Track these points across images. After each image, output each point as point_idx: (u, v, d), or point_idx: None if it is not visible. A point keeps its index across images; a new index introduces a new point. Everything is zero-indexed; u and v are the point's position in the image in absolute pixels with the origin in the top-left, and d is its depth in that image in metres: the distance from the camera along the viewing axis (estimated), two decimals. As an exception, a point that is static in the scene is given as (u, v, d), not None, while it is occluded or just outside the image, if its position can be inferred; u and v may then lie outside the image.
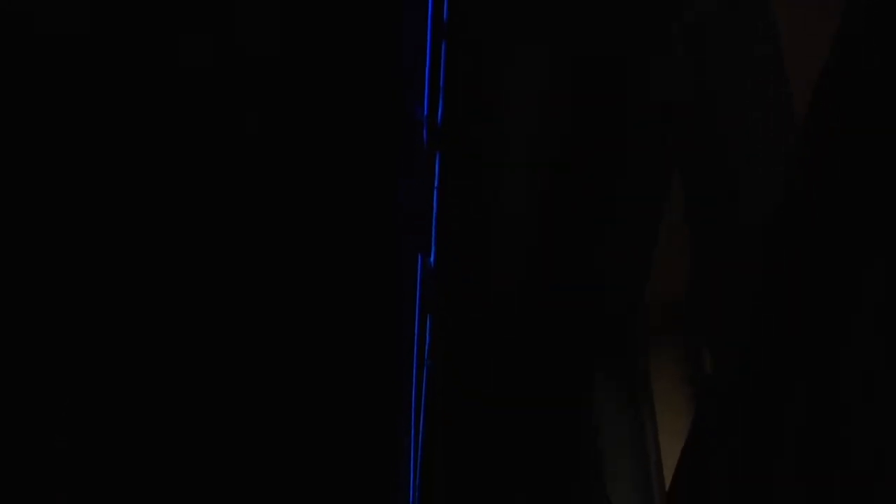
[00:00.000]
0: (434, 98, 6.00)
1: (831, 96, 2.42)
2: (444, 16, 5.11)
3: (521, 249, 5.92)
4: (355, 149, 10.22)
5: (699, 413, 3.47)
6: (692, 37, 3.53)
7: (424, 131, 6.62)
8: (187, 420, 12.11)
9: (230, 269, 11.00)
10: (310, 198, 10.58)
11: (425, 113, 6.76)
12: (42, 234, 10.61)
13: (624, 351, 4.81)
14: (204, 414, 12.03)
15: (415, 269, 9.44)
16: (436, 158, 6.05)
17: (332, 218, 10.81)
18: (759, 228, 2.88)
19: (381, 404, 11.02)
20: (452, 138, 5.75)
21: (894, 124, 2.12)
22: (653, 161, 4.31)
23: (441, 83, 5.79)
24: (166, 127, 10.40)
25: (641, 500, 4.37)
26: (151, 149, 10.72)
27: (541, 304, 5.53)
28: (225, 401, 11.89)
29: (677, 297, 4.59)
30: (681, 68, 3.63)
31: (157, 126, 10.45)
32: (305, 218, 10.71)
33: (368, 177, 10.38)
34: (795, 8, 2.94)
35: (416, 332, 10.10)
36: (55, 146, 10.35)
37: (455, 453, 7.07)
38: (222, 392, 11.82)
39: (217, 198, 10.58)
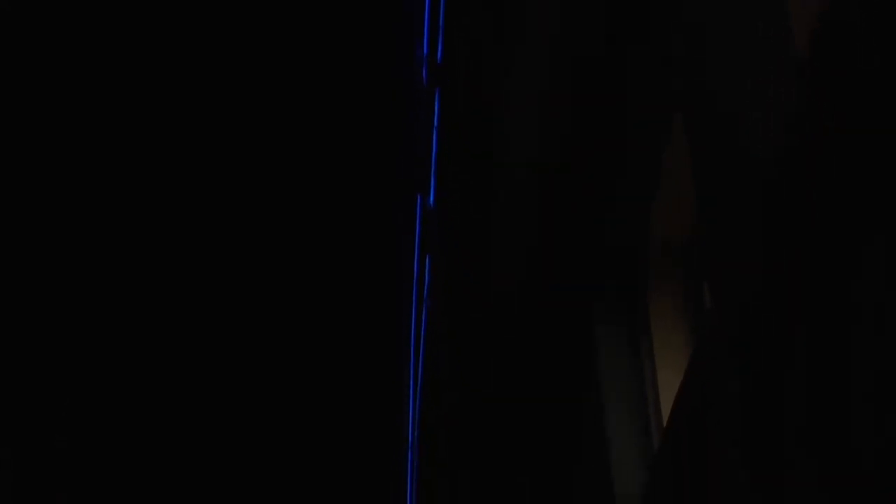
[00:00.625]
0: (433, 36, 5.98)
1: (833, 40, 2.40)
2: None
3: (525, 199, 5.92)
4: (355, 88, 10.19)
5: (698, 349, 3.48)
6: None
7: (424, 69, 6.59)
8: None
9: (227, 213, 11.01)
10: (311, 136, 10.56)
11: (425, 51, 6.72)
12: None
13: (625, 290, 4.81)
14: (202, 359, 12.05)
15: (414, 210, 9.42)
16: (435, 96, 6.02)
17: (333, 158, 10.78)
18: (764, 163, 2.87)
19: (381, 344, 11.06)
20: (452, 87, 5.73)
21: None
22: (654, 100, 4.30)
23: (440, 22, 5.76)
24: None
25: (640, 435, 4.39)
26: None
27: (543, 242, 5.52)
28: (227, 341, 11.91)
29: (678, 237, 4.58)
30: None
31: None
32: (306, 156, 10.69)
33: (368, 115, 10.35)
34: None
35: (415, 271, 10.10)
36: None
37: (454, 388, 7.09)
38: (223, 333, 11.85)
39: (213, 134, 10.56)
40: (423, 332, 9.98)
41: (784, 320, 2.84)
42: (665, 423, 4.08)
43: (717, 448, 3.24)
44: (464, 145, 5.72)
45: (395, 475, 11.26)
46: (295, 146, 10.49)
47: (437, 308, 8.92)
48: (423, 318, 10.02)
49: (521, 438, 5.92)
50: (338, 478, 11.95)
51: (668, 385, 4.30)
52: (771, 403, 2.93)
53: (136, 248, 11.24)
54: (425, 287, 9.62)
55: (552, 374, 5.52)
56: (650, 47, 4.22)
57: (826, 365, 2.60)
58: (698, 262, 4.37)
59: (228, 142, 10.50)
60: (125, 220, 11.11)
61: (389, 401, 11.10)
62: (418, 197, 9.09)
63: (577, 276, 5.10)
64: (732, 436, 3.13)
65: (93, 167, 10.85)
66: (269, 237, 10.89)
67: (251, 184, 10.72)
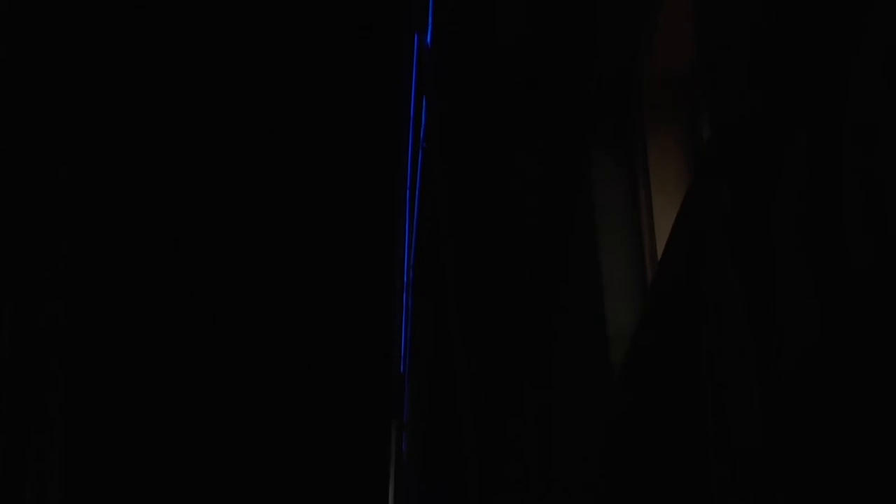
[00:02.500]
0: None
1: None
2: None
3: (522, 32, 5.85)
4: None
5: (695, 180, 3.45)
6: None
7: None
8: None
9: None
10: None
11: None
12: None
13: (622, 125, 4.76)
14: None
15: (411, 49, 9.31)
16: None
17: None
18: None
19: (380, 186, 11.04)
20: None
21: None
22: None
23: None
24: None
25: (634, 269, 4.38)
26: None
27: (539, 75, 5.47)
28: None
29: (678, 69, 4.52)
30: None
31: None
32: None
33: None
34: None
35: (412, 113, 10.06)
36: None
37: (451, 230, 7.10)
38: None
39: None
40: (419, 176, 9.95)
41: (779, 146, 2.81)
42: (660, 257, 4.07)
43: (712, 280, 3.22)
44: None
45: (391, 315, 11.32)
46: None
47: (434, 152, 8.87)
48: (420, 161, 9.99)
49: (513, 277, 5.92)
50: (332, 316, 12.03)
51: (664, 218, 4.27)
52: (765, 232, 2.91)
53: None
54: (422, 130, 9.57)
55: (543, 209, 5.49)
56: None
57: (819, 186, 2.58)
58: (697, 95, 4.31)
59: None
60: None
61: (385, 245, 11.11)
62: (415, 36, 8.98)
63: (571, 109, 5.04)
64: (728, 267, 3.11)
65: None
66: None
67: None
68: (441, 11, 7.70)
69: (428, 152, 9.37)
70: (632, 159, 4.56)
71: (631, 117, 4.68)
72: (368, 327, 12.02)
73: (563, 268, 5.24)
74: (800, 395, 2.56)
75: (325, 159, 11.23)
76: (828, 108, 2.43)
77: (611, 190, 4.53)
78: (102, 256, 11.31)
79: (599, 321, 4.44)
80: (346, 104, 10.96)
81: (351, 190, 11.34)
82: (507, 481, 7.33)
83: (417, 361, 11.24)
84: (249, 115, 11.04)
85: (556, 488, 5.62)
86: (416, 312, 10.13)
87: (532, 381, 6.31)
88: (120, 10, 10.06)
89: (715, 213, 3.14)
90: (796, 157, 2.66)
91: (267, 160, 11.15)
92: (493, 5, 6.01)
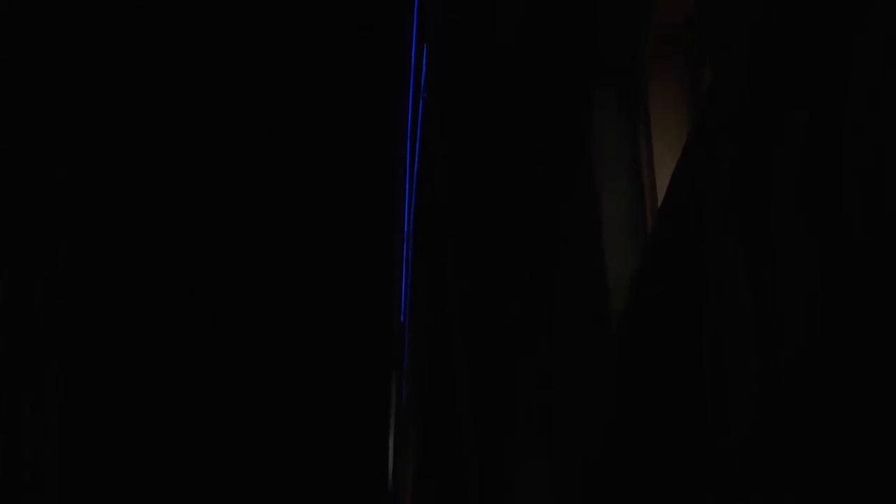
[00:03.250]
0: None
1: None
2: None
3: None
4: None
5: (696, 128, 3.45)
6: None
7: None
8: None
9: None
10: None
11: None
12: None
13: (624, 76, 4.75)
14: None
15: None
16: None
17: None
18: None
19: (380, 137, 11.03)
20: None
21: None
22: None
23: None
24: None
25: (634, 215, 4.39)
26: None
27: (540, 26, 5.44)
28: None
29: (680, 19, 4.50)
30: None
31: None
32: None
33: None
34: None
35: (412, 64, 10.02)
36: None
37: (450, 177, 7.09)
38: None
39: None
40: (419, 126, 9.93)
41: (782, 97, 2.81)
42: (660, 205, 4.07)
43: (713, 228, 3.23)
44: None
45: (390, 265, 11.33)
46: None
47: (434, 102, 8.85)
48: (420, 112, 9.97)
49: (513, 229, 5.92)
50: (333, 267, 12.05)
51: (664, 167, 4.27)
52: (767, 182, 2.91)
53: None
54: (423, 80, 9.55)
55: (545, 157, 5.48)
56: None
57: (820, 139, 2.58)
58: (699, 47, 4.30)
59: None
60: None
61: (386, 196, 11.11)
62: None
63: (573, 60, 5.03)
64: (729, 215, 3.12)
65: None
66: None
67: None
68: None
69: (428, 103, 9.35)
70: (633, 111, 4.55)
71: (633, 69, 4.67)
72: (369, 278, 12.02)
73: (564, 219, 5.25)
74: (798, 354, 2.58)
75: (326, 109, 11.21)
76: (831, 75, 2.43)
77: (612, 141, 4.53)
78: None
79: (600, 271, 4.45)
80: (347, 54, 10.92)
81: (351, 141, 11.33)
82: (505, 438, 7.36)
83: (417, 311, 11.25)
84: (248, 67, 11.01)
85: (559, 449, 5.65)
86: (416, 264, 10.14)
87: (532, 334, 6.33)
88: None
89: (715, 164, 3.14)
90: (797, 118, 2.66)
91: (268, 107, 11.12)
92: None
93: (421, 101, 9.96)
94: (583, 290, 4.86)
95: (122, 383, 11.93)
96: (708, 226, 3.24)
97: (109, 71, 10.42)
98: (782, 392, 2.59)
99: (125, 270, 11.52)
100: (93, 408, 11.81)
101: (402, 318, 12.35)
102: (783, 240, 2.78)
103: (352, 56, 10.84)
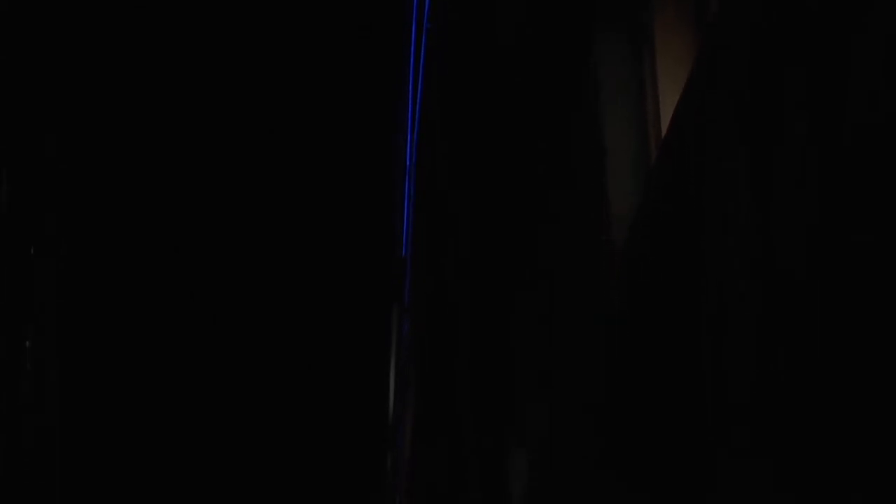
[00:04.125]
0: None
1: None
2: None
3: None
4: None
5: (701, 57, 3.40)
6: None
7: None
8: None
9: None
10: None
11: None
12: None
13: (629, 3, 4.68)
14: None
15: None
16: None
17: None
18: None
19: (382, 68, 10.96)
20: None
21: None
22: None
23: None
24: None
25: (637, 145, 4.34)
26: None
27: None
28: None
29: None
30: None
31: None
32: None
33: None
34: None
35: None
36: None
37: (452, 109, 7.05)
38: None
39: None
40: (422, 58, 9.86)
41: (790, 28, 2.75)
42: (664, 135, 4.03)
43: (716, 159, 3.18)
44: None
45: (392, 199, 11.31)
46: None
47: (437, 32, 8.78)
48: (423, 42, 9.89)
49: (514, 156, 5.88)
50: (332, 200, 12.03)
51: (669, 96, 4.22)
52: (773, 111, 2.86)
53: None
54: (426, 10, 9.46)
55: (547, 88, 5.43)
56: None
57: (828, 67, 2.53)
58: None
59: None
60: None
61: (386, 127, 11.07)
62: None
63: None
64: (733, 145, 3.07)
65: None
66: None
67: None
68: None
69: (431, 33, 9.27)
70: (637, 35, 4.49)
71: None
72: (369, 210, 12.01)
73: (566, 147, 5.20)
74: (801, 287, 2.54)
75: (326, 39, 11.12)
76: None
77: (615, 66, 4.47)
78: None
79: (601, 201, 4.41)
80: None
81: (352, 71, 11.25)
82: (504, 383, 7.36)
83: (418, 246, 11.24)
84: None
85: (559, 393, 5.64)
86: (417, 196, 10.10)
87: (533, 267, 6.30)
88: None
89: (721, 89, 3.09)
90: (803, 53, 2.61)
91: (268, 38, 11.04)
92: None
93: (424, 32, 9.89)
94: (585, 221, 4.83)
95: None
96: (711, 158, 3.19)
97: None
98: (785, 329, 2.56)
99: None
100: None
101: (403, 252, 12.34)
102: (788, 173, 2.74)
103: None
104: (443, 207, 7.73)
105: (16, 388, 10.14)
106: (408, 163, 11.07)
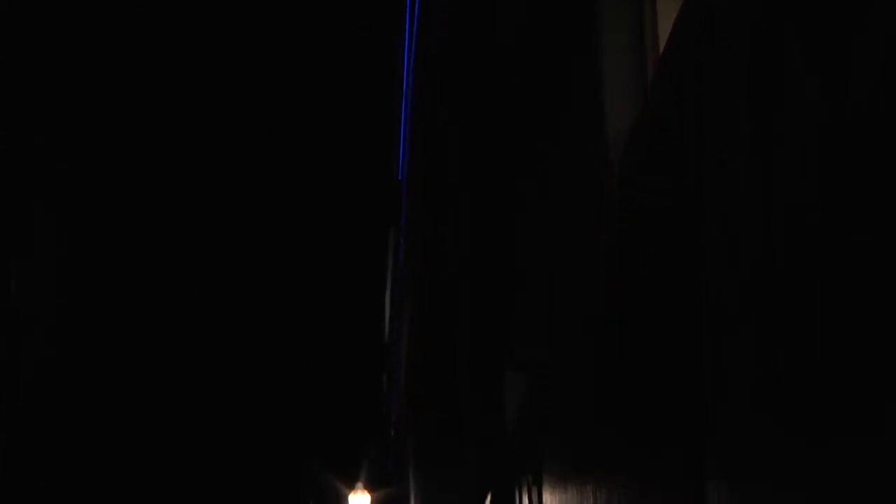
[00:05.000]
0: None
1: None
2: None
3: None
4: None
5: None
6: None
7: None
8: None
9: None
10: None
11: None
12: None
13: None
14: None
15: None
16: None
17: None
18: None
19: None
20: None
21: None
22: None
23: None
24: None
25: (634, 64, 4.34)
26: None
27: None
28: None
29: None
30: None
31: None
32: None
33: None
34: None
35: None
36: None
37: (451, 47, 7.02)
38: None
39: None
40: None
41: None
42: (661, 51, 4.02)
43: (715, 75, 3.18)
44: None
45: (390, 121, 11.32)
46: None
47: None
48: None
49: (513, 75, 5.86)
50: (330, 122, 12.06)
51: (667, 15, 4.21)
52: (772, 25, 2.86)
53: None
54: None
55: (549, 8, 5.40)
56: None
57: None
58: None
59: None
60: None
61: (386, 50, 11.05)
62: None
63: None
64: (733, 62, 3.07)
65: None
66: None
67: None
68: None
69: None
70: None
71: None
72: (366, 133, 12.05)
73: (565, 66, 5.20)
74: (800, 208, 2.56)
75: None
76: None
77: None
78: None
79: (600, 118, 4.42)
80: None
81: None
82: (505, 297, 7.41)
83: (415, 168, 11.29)
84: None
85: (560, 303, 5.67)
86: (414, 119, 10.13)
87: (534, 184, 6.31)
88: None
89: (719, 5, 3.09)
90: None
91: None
92: None
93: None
94: (584, 139, 4.83)
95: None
96: (708, 78, 3.19)
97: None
98: (787, 242, 2.58)
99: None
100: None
101: (399, 175, 12.33)
102: (788, 84, 2.74)
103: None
104: (440, 129, 7.73)
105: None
106: (405, 85, 11.05)
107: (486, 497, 9.05)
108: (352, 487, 27.87)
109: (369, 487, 28.21)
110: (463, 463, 11.08)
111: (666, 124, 3.56)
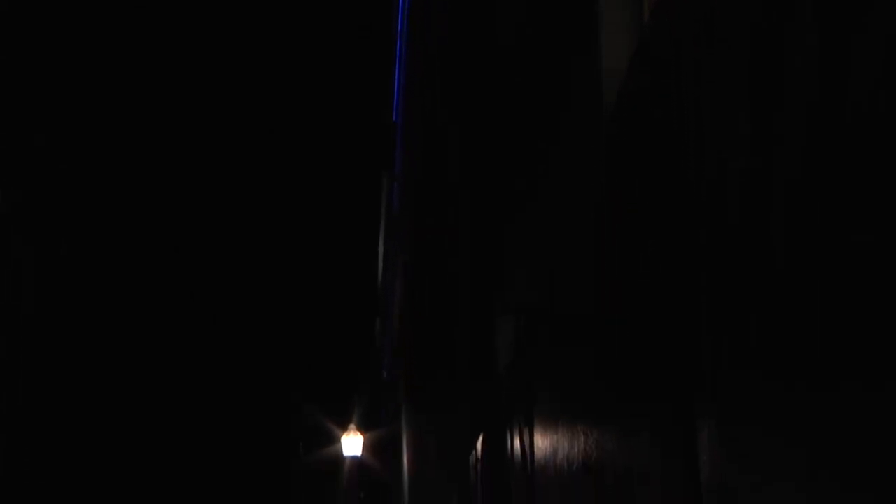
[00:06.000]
0: None
1: None
2: None
3: None
4: None
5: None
6: None
7: None
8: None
9: None
10: None
11: None
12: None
13: None
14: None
15: None
16: None
17: None
18: None
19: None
20: None
21: None
22: None
23: None
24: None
25: (631, 9, 4.29)
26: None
27: None
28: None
29: None
30: None
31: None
32: None
33: None
34: None
35: None
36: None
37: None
38: None
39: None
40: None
41: None
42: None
43: (707, 22, 3.15)
44: None
45: (384, 62, 11.26)
46: None
47: None
48: None
49: (509, 23, 5.81)
50: (326, 62, 11.99)
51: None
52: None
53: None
54: None
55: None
56: None
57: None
58: None
59: None
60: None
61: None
62: None
63: None
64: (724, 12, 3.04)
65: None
66: None
67: None
68: None
69: None
70: None
71: None
72: (361, 75, 11.98)
73: (561, 12, 5.15)
74: (793, 124, 2.53)
75: None
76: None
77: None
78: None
79: (595, 57, 4.38)
80: None
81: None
82: (502, 231, 7.38)
83: (410, 109, 11.23)
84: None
85: (552, 240, 5.65)
86: (409, 59, 10.06)
87: (528, 126, 6.28)
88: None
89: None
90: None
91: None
92: None
93: None
94: (578, 81, 4.80)
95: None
96: (704, 20, 3.16)
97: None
98: (779, 178, 2.56)
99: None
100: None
101: (393, 117, 12.25)
102: (787, 43, 2.71)
103: None
104: (435, 68, 7.67)
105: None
106: (399, 28, 10.97)
107: (477, 439, 9.09)
108: (345, 429, 28.03)
109: (362, 429, 28.36)
110: (455, 406, 11.13)
111: (658, 71, 3.53)
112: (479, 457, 8.91)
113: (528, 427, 6.35)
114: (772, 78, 2.54)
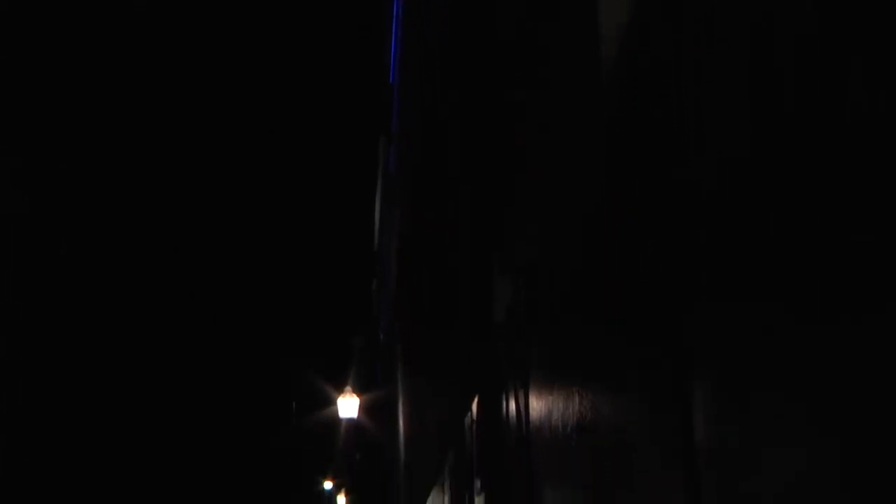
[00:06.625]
0: None
1: None
2: None
3: None
4: None
5: None
6: None
7: None
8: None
9: None
10: None
11: None
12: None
13: None
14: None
15: None
16: None
17: None
18: None
19: None
20: None
21: None
22: None
23: None
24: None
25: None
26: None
27: None
28: None
29: None
30: None
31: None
32: None
33: None
34: None
35: None
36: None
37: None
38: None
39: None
40: None
41: None
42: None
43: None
44: None
45: (381, 22, 11.22)
46: None
47: None
48: None
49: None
50: (321, 22, 11.97)
51: None
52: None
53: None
54: None
55: None
56: None
57: None
58: None
59: None
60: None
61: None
62: None
63: None
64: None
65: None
66: None
67: None
68: None
69: None
70: None
71: None
72: (356, 34, 11.96)
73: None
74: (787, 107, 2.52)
75: None
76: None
77: None
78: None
79: (592, 20, 4.36)
80: None
81: None
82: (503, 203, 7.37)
83: (406, 72, 11.19)
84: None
85: (555, 205, 5.64)
86: (405, 20, 10.01)
87: (525, 87, 6.26)
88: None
89: None
90: None
91: None
92: None
93: None
94: (576, 38, 4.78)
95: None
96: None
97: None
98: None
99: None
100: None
101: (390, 79, 12.19)
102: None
103: None
104: (432, 33, 7.63)
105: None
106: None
107: (473, 401, 9.11)
108: (341, 391, 28.12)
109: (357, 391, 28.46)
110: (450, 368, 11.14)
111: (657, 30, 3.51)
112: (475, 418, 8.93)
113: (524, 388, 6.36)
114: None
